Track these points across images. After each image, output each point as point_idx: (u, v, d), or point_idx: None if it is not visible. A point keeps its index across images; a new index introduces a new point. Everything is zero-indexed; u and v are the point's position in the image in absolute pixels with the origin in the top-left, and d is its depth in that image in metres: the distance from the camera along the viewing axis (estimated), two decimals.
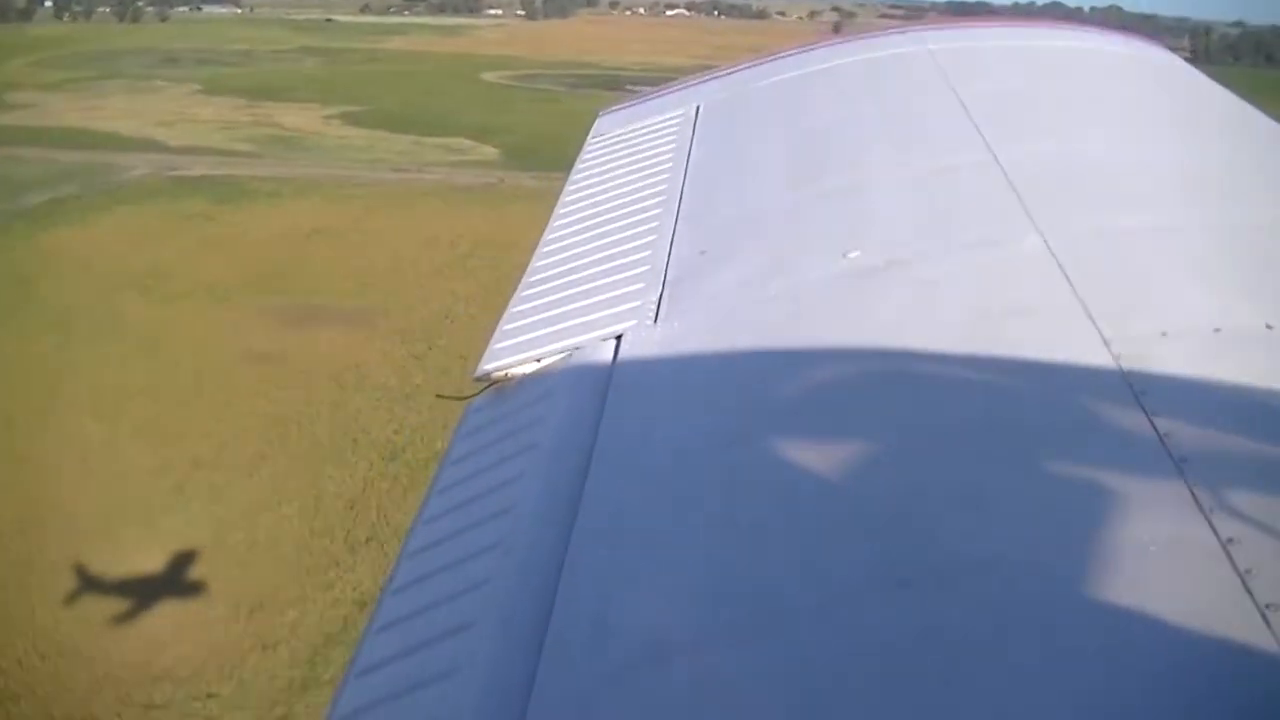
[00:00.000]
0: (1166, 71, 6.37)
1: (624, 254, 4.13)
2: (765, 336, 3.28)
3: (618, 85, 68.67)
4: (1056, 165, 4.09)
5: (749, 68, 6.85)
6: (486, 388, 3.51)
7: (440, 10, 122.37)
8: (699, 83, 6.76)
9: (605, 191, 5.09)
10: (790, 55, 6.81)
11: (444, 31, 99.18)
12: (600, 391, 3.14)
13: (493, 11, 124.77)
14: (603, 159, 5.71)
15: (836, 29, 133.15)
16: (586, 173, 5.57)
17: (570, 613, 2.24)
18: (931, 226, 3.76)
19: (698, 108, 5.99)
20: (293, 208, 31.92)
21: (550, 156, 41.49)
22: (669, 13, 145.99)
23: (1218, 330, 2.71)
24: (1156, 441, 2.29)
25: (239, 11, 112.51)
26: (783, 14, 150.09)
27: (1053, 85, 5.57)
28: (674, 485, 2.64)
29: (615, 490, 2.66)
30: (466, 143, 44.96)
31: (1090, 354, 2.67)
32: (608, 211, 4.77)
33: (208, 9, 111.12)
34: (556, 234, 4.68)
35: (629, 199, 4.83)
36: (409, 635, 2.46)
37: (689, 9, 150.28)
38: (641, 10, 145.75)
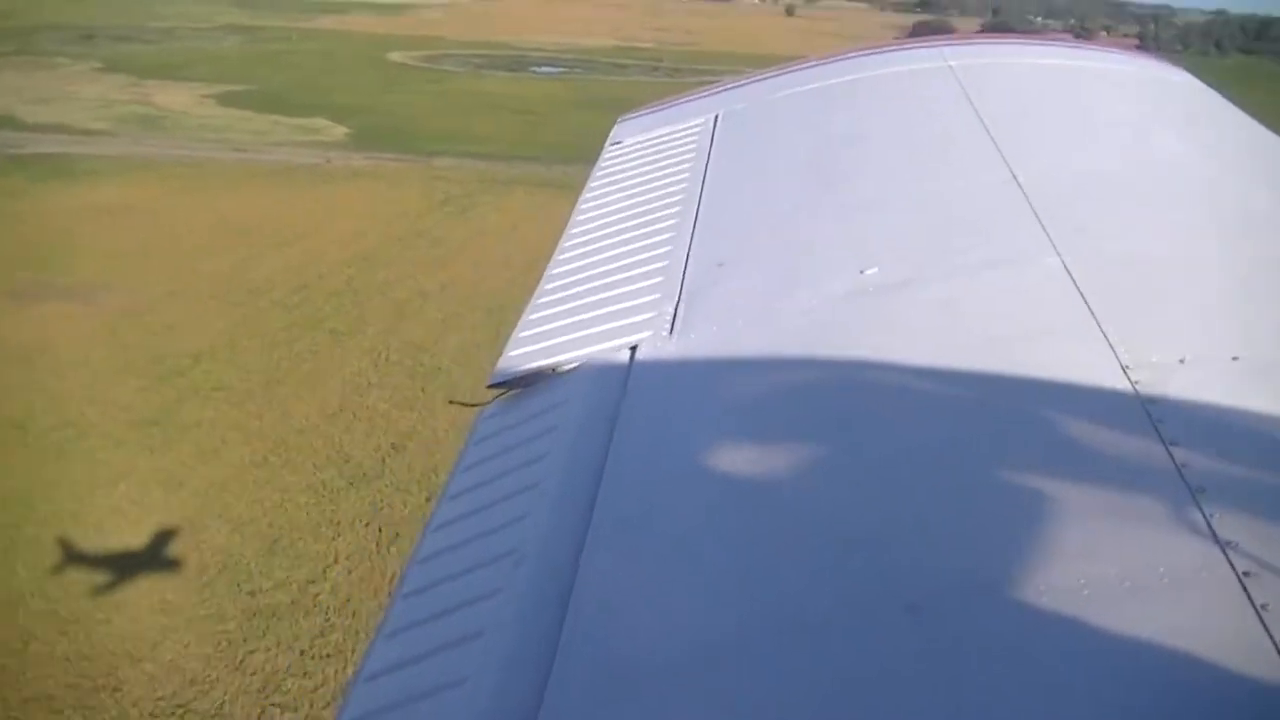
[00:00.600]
0: (1186, 94, 6.28)
1: (640, 263, 4.15)
2: (781, 352, 3.27)
3: (522, 66, 70.86)
4: (1076, 186, 4.05)
5: (769, 78, 6.92)
6: (499, 395, 3.56)
7: None
8: (718, 92, 6.83)
9: (622, 199, 5.13)
10: (810, 67, 6.88)
11: (387, 10, 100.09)
12: (614, 402, 3.15)
13: None
14: (620, 166, 5.74)
15: (789, 12, 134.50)
16: (604, 180, 5.59)
17: (582, 623, 2.25)
18: (949, 245, 3.74)
19: (716, 117, 6.05)
20: (104, 186, 33.55)
21: (397, 138, 43.63)
22: None
23: (1236, 359, 2.66)
24: (1173, 470, 2.28)
25: None
26: None
27: (1073, 105, 5.53)
28: (687, 498, 2.65)
29: (628, 501, 2.67)
30: (324, 123, 46.70)
31: (1108, 379, 2.66)
32: (624, 219, 4.79)
33: None
34: (573, 240, 4.72)
35: (646, 207, 4.85)
36: (418, 642, 2.46)
37: None
38: None
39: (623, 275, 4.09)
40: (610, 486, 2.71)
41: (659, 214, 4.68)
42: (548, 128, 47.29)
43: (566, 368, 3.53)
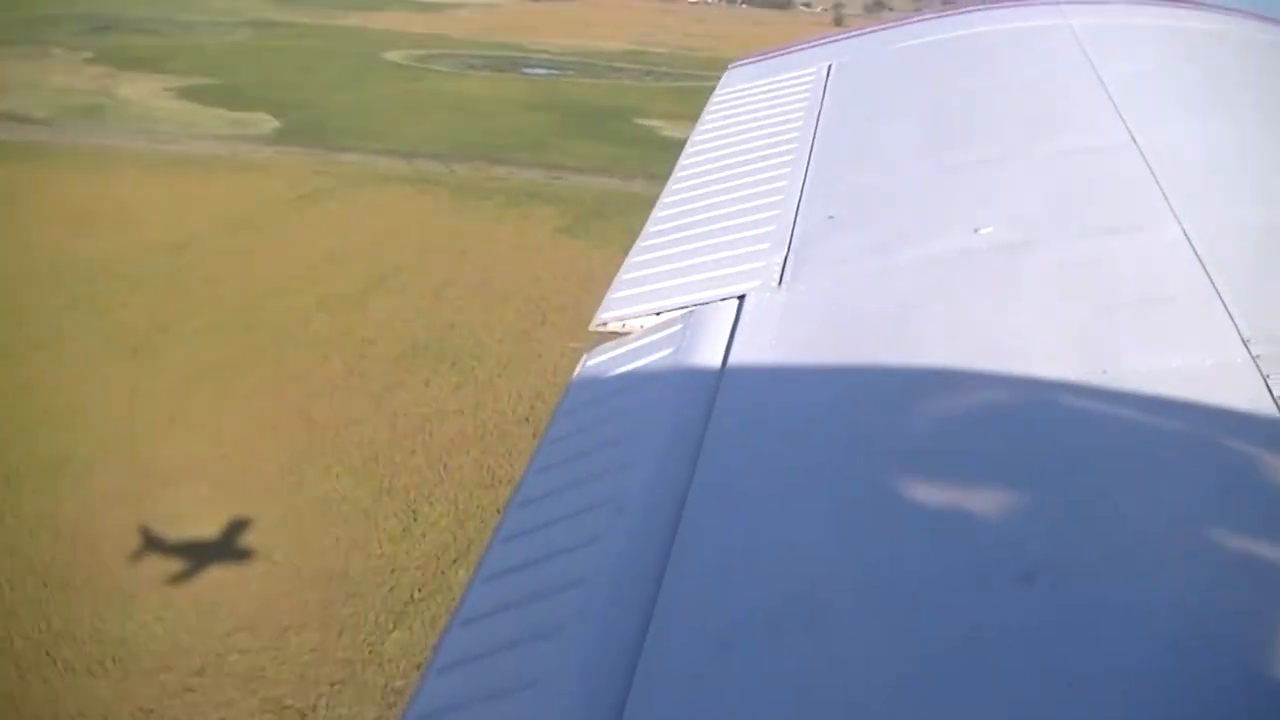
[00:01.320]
0: None
1: (749, 212, 4.06)
2: (892, 309, 3.20)
3: (515, 67, 72.39)
4: (1198, 153, 3.96)
5: (884, 30, 6.88)
6: (603, 340, 3.50)
7: None
8: (831, 41, 6.70)
9: (731, 146, 5.05)
10: (925, 20, 6.76)
11: (425, 9, 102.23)
12: (720, 352, 3.07)
13: None
14: (730, 113, 5.66)
15: (838, 22, 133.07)
16: (712, 126, 5.52)
17: (683, 575, 2.23)
18: (1066, 208, 3.66)
19: (829, 67, 5.94)
20: None
21: (322, 134, 45.65)
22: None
23: None
24: None
25: None
26: (808, 5, 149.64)
27: (1195, 67, 5.35)
28: (793, 455, 2.61)
29: (733, 454, 2.64)
30: (263, 117, 48.76)
31: (1227, 350, 2.60)
32: (732, 167, 4.72)
33: None
34: (680, 185, 4.66)
35: (755, 156, 4.76)
36: (516, 587, 2.44)
37: None
38: None
39: (731, 223, 4.01)
40: (715, 439, 2.64)
41: (769, 162, 4.60)
42: (478, 128, 48.75)
43: (672, 314, 3.46)
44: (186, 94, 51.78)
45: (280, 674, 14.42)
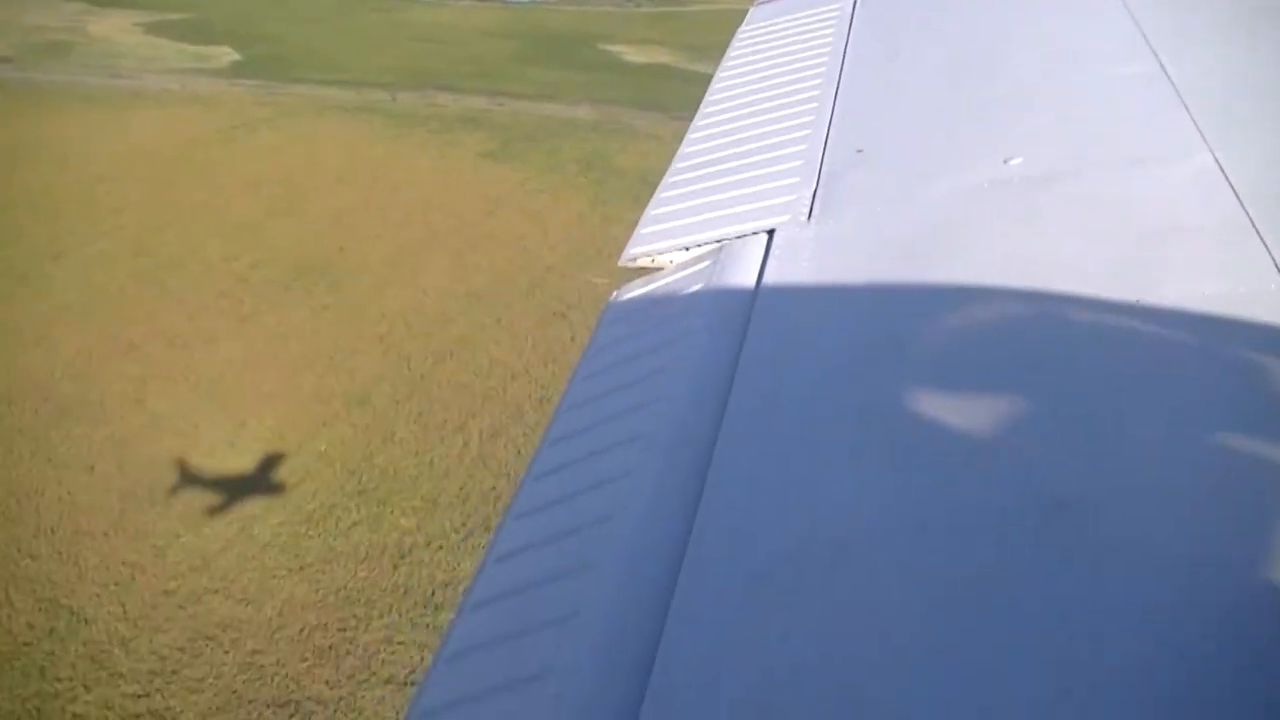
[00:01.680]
0: None
1: (777, 146, 4.07)
2: (923, 241, 3.20)
3: None
4: (1230, 81, 3.91)
5: None
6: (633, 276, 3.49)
7: None
8: None
9: (758, 81, 5.07)
10: None
11: None
12: (751, 286, 3.12)
13: None
14: (756, 48, 5.67)
15: None
16: (739, 61, 5.56)
17: (715, 511, 2.26)
18: (1097, 138, 3.66)
19: (855, 1, 5.97)
20: None
21: (279, 66, 46.27)
22: None
23: None
24: None
25: None
26: None
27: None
28: (824, 389, 2.63)
29: (764, 390, 2.66)
30: (225, 51, 49.21)
31: (1262, 278, 2.61)
32: (760, 102, 4.74)
33: None
34: (707, 120, 4.70)
35: (782, 91, 4.77)
36: (548, 524, 2.48)
37: None
38: None
39: (759, 157, 4.03)
40: (747, 372, 2.66)
41: (796, 96, 4.62)
42: (439, 57, 49.13)
43: (702, 248, 3.50)
44: (155, 29, 52.49)
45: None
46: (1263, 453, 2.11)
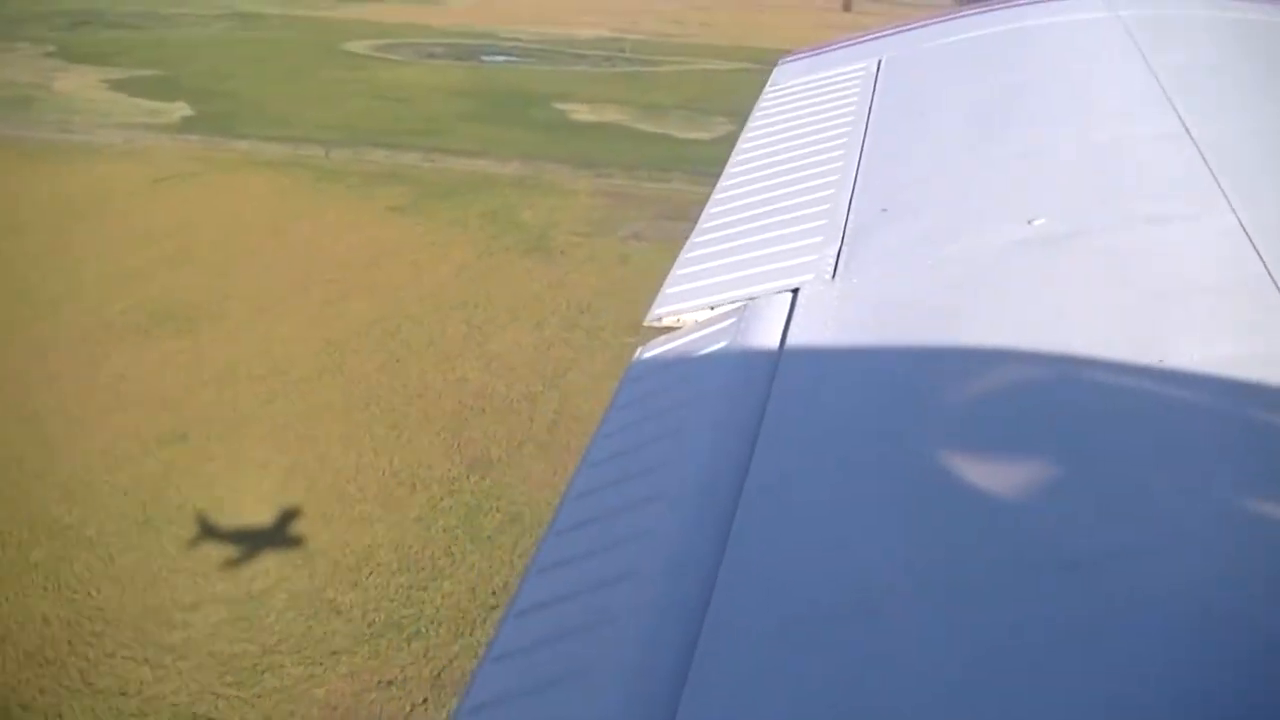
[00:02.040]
0: None
1: (801, 206, 4.11)
2: (947, 301, 3.24)
3: (475, 55, 73.88)
4: (1254, 142, 3.95)
5: (933, 24, 6.89)
6: (658, 335, 3.53)
7: None
8: (881, 36, 6.83)
9: (783, 141, 5.11)
10: (975, 14, 6.83)
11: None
12: (775, 345, 3.14)
13: None
14: (781, 108, 5.75)
15: (846, 7, 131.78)
16: (764, 121, 5.59)
17: (738, 569, 2.25)
18: (1120, 197, 3.70)
19: (879, 62, 6.06)
20: None
21: (231, 122, 47.81)
22: None
23: None
24: None
25: None
26: None
27: (1251, 60, 5.30)
28: (848, 448, 2.65)
29: (788, 450, 2.68)
30: (180, 107, 50.83)
31: None
32: (785, 162, 4.75)
33: None
34: (732, 180, 4.68)
35: (807, 150, 4.80)
36: (570, 580, 2.48)
37: None
38: None
39: (784, 217, 4.03)
40: (771, 430, 2.66)
41: (821, 156, 4.65)
42: (389, 114, 50.48)
43: (726, 308, 3.48)
44: (120, 85, 54.22)
45: None
46: (1278, 514, 2.10)
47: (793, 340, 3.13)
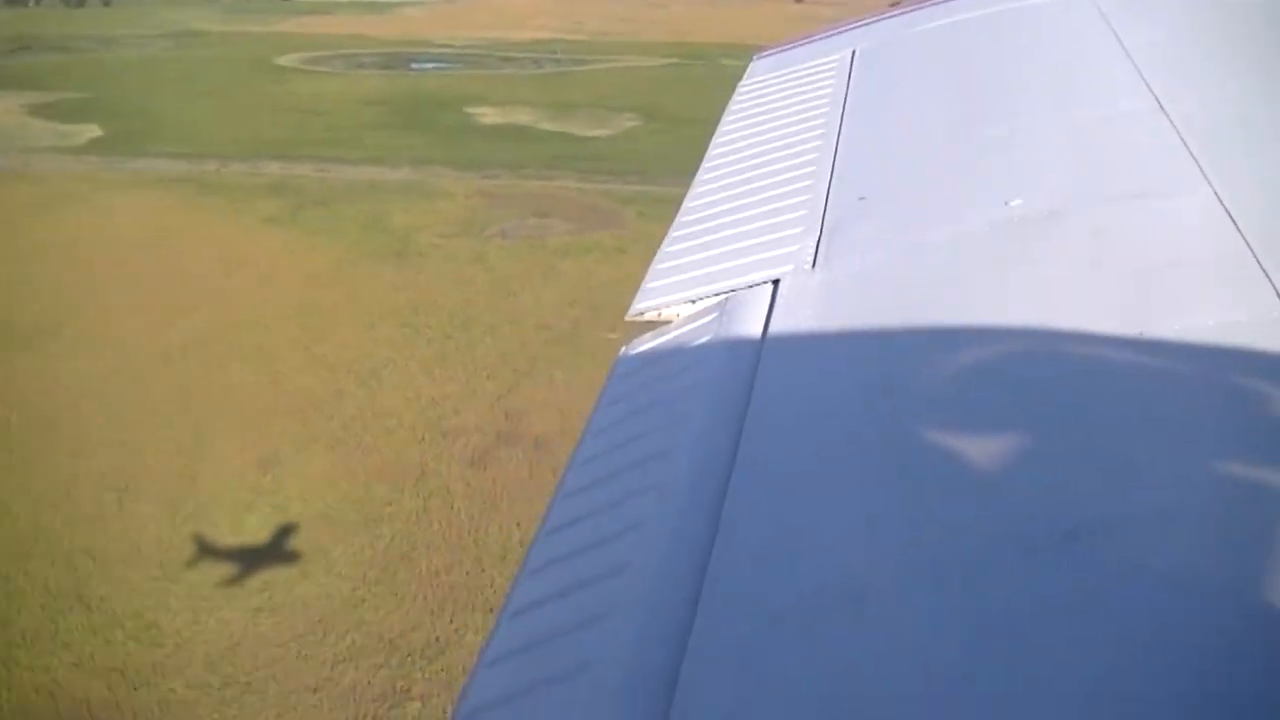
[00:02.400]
0: None
1: (780, 198, 4.14)
2: (927, 287, 3.29)
3: (404, 64, 74.85)
4: (1229, 116, 3.99)
5: (906, 12, 6.92)
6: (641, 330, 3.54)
7: None
8: (854, 28, 6.81)
9: (759, 134, 5.13)
10: (947, 1, 6.79)
11: (374, 9, 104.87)
12: (757, 336, 3.16)
13: None
14: (756, 102, 5.76)
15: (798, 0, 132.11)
16: (739, 115, 5.60)
17: (728, 559, 2.26)
18: (1096, 176, 3.75)
19: (853, 52, 6.08)
20: None
21: (138, 142, 48.86)
22: None
23: None
24: None
25: None
26: None
27: (1222, 33, 5.35)
28: (834, 432, 2.68)
29: (773, 438, 2.70)
30: (90, 129, 51.69)
31: (1265, 311, 2.64)
32: (762, 154, 4.80)
33: None
34: (710, 174, 4.74)
35: (783, 142, 4.85)
36: (563, 578, 2.50)
37: None
38: None
39: (762, 209, 4.05)
40: (756, 420, 2.69)
41: (797, 148, 4.68)
42: (296, 126, 51.37)
43: (708, 301, 3.48)
44: (37, 110, 55.19)
45: None
46: (1267, 479, 2.13)
47: (774, 330, 3.16)
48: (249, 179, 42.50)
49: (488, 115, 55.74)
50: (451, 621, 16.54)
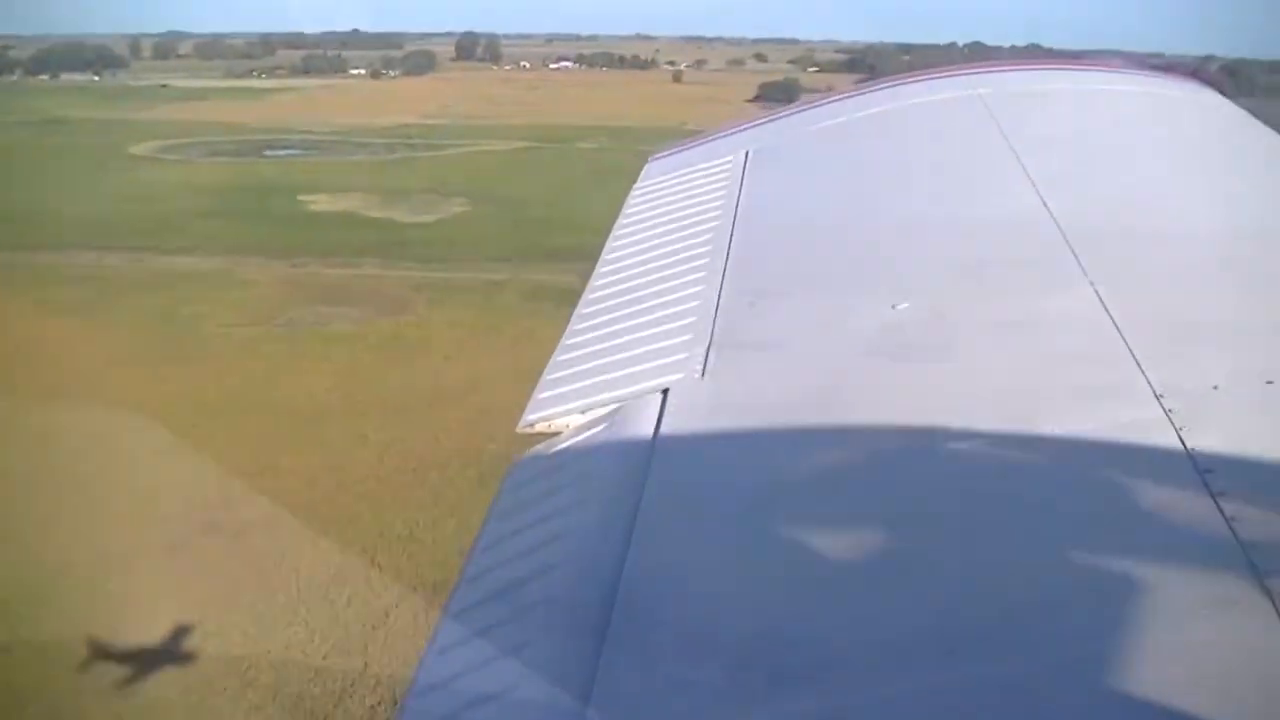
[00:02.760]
0: (1219, 116, 6.36)
1: (671, 304, 4.18)
2: (813, 394, 3.31)
3: (258, 150, 75.63)
4: (1108, 214, 4.16)
5: (799, 111, 7.09)
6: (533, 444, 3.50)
7: (304, 72, 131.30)
8: (749, 127, 6.88)
9: (652, 239, 5.14)
10: (841, 99, 7.07)
11: (250, 96, 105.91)
12: (646, 448, 3.15)
13: (355, 71, 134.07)
14: (649, 205, 5.75)
15: (676, 78, 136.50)
16: (633, 219, 5.57)
17: (615, 671, 2.27)
18: (982, 277, 3.86)
19: (747, 153, 6.10)
20: None
21: None
22: (554, 65, 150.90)
23: (1270, 383, 2.78)
24: (1209, 498, 2.36)
25: (94, 79, 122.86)
26: (672, 63, 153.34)
27: (1104, 131, 5.60)
28: (720, 545, 2.68)
29: (661, 548, 2.70)
30: None
31: (1141, 406, 2.73)
32: (654, 259, 4.82)
33: (66, 76, 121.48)
34: (602, 281, 4.73)
35: (676, 247, 4.88)
36: (451, 700, 2.44)
37: (577, 61, 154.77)
38: (526, 64, 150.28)
39: (653, 316, 4.09)
40: (643, 535, 2.71)
41: (689, 253, 4.71)
42: (127, 216, 51.28)
43: (599, 411, 3.50)
44: None
45: None
46: (1150, 587, 2.17)
47: (663, 441, 3.18)
48: (56, 270, 42.63)
49: (319, 203, 56.78)
50: None
